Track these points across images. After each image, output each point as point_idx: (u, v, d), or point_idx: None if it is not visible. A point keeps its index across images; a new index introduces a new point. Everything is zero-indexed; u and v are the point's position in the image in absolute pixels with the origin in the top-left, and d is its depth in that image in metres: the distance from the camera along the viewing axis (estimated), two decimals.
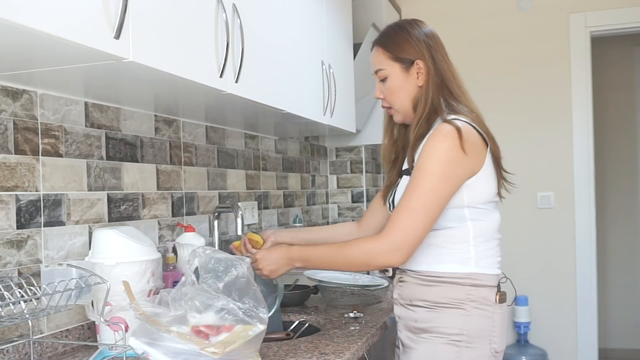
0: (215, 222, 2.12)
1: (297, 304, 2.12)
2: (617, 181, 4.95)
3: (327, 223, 3.44)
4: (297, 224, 2.71)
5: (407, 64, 1.60)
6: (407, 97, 1.61)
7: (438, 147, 1.47)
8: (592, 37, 3.53)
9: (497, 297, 1.55)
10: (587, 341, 3.51)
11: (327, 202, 3.49)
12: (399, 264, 1.52)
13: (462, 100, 1.60)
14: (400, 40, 1.62)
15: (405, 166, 1.62)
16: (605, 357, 4.57)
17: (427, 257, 1.54)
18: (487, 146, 1.54)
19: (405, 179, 1.58)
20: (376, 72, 1.66)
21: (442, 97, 1.58)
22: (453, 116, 1.52)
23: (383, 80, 1.65)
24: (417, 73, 1.59)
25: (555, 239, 3.57)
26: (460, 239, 1.53)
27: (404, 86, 1.61)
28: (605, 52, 4.74)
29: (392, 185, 1.67)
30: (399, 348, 1.65)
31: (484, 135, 1.54)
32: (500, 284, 1.59)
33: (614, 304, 4.92)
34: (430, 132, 1.53)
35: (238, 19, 1.58)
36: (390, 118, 1.71)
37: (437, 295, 1.53)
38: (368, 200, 3.52)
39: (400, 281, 1.64)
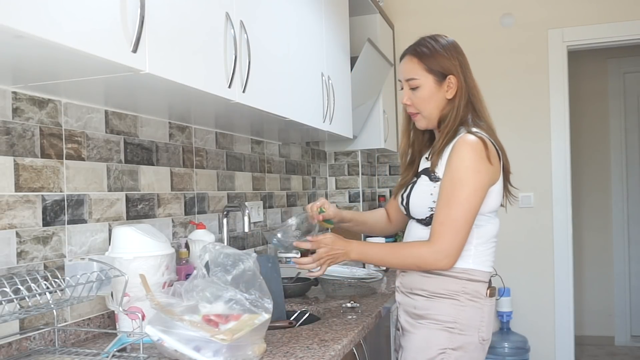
0: (224, 220, 2.12)
1: (299, 295, 2.12)
2: (592, 183, 4.94)
3: None
4: None
5: (441, 77, 1.57)
6: (436, 107, 1.58)
7: (466, 159, 1.47)
8: (569, 50, 3.54)
9: (488, 291, 1.56)
10: (564, 329, 3.50)
11: None
12: (447, 269, 1.51)
13: (483, 117, 1.59)
14: (437, 54, 1.58)
15: (424, 166, 1.60)
16: (580, 343, 4.58)
17: None
18: (501, 161, 1.55)
19: (423, 179, 1.58)
20: (407, 80, 1.60)
21: (469, 113, 1.58)
22: (475, 129, 1.53)
23: (413, 88, 1.60)
24: (448, 87, 1.57)
25: (535, 236, 3.56)
26: None
27: (435, 97, 1.58)
28: (580, 64, 4.74)
29: (405, 184, 1.66)
30: (399, 330, 1.65)
31: (499, 151, 1.54)
32: (492, 279, 1.61)
33: (589, 295, 4.91)
34: (455, 140, 1.52)
35: (245, 34, 1.58)
36: (407, 122, 1.68)
37: (435, 286, 1.54)
38: (364, 200, 3.52)
39: (403, 271, 1.64)
